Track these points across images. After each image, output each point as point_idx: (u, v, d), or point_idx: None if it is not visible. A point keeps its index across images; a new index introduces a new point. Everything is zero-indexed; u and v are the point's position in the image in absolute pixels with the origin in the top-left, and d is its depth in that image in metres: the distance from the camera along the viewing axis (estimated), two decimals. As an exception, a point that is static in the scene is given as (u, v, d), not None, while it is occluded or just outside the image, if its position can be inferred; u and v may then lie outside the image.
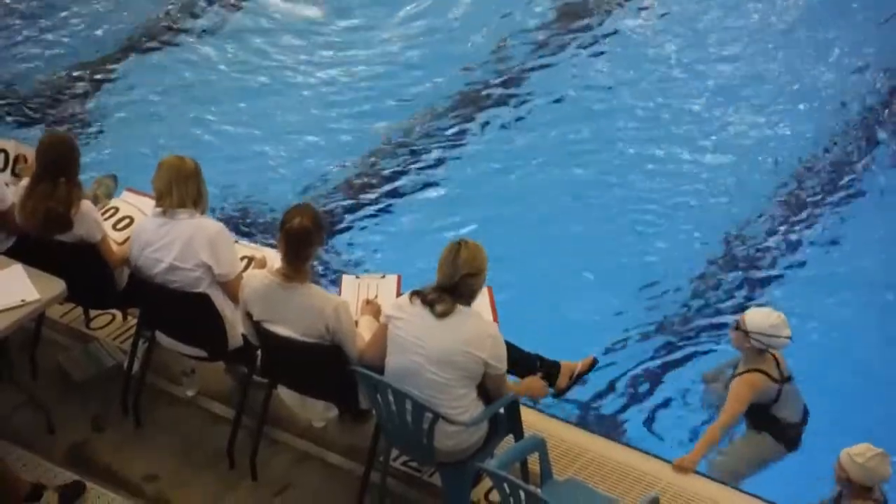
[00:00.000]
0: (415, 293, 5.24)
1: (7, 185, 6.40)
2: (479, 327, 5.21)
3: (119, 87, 10.63)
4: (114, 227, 6.46)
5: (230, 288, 5.83)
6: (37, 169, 6.08)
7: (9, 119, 10.06)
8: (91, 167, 6.95)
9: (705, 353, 7.76)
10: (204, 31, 11.43)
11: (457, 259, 5.13)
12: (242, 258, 6.23)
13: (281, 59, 10.95)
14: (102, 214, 6.46)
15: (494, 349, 5.22)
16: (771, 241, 8.70)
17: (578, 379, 6.13)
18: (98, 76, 10.74)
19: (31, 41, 11.25)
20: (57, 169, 6.00)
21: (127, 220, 6.49)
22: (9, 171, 6.71)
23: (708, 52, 10.82)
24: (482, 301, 5.76)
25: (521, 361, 5.96)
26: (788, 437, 6.48)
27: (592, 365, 6.25)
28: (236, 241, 6.33)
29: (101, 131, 10.01)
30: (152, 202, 6.07)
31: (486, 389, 5.35)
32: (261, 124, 10.14)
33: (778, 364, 6.35)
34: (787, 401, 6.39)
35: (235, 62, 10.94)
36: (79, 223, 6.03)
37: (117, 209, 6.60)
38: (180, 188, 5.81)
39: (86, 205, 6.11)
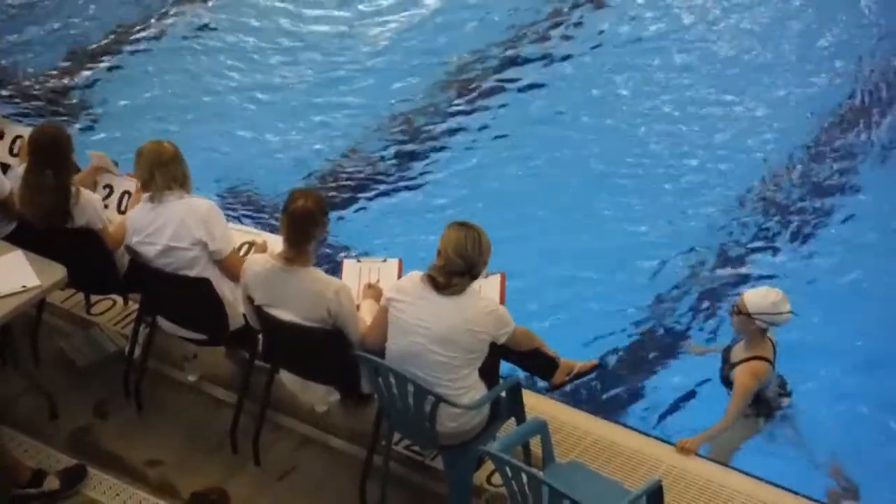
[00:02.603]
0: (427, 276, 5.24)
1: (8, 167, 6.41)
2: (478, 306, 5.23)
3: (115, 77, 10.61)
4: (118, 210, 6.51)
5: (226, 265, 5.83)
6: (28, 160, 6.08)
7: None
8: (86, 158, 6.93)
9: (708, 336, 7.77)
10: (204, 19, 11.42)
11: (481, 244, 5.19)
12: (243, 244, 6.24)
13: (282, 45, 10.94)
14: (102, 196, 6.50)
15: (497, 322, 5.26)
16: (773, 226, 8.72)
17: (576, 378, 6.11)
18: (92, 66, 10.73)
19: (25, 29, 11.25)
20: (46, 160, 5.97)
21: (127, 198, 6.55)
22: (6, 148, 6.71)
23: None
24: (493, 285, 5.79)
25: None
26: (772, 411, 6.45)
27: (594, 368, 6.21)
28: (236, 221, 6.32)
29: (94, 121, 9.99)
30: None
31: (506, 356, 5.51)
32: (261, 110, 10.13)
33: (773, 348, 6.31)
34: (772, 382, 6.37)
35: (236, 50, 10.92)
36: (80, 213, 6.03)
37: (111, 188, 6.62)
38: (163, 174, 5.79)
39: (86, 194, 6.11)
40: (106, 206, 6.50)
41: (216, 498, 5.75)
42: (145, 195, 5.89)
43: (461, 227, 5.22)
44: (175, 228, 5.76)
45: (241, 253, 6.16)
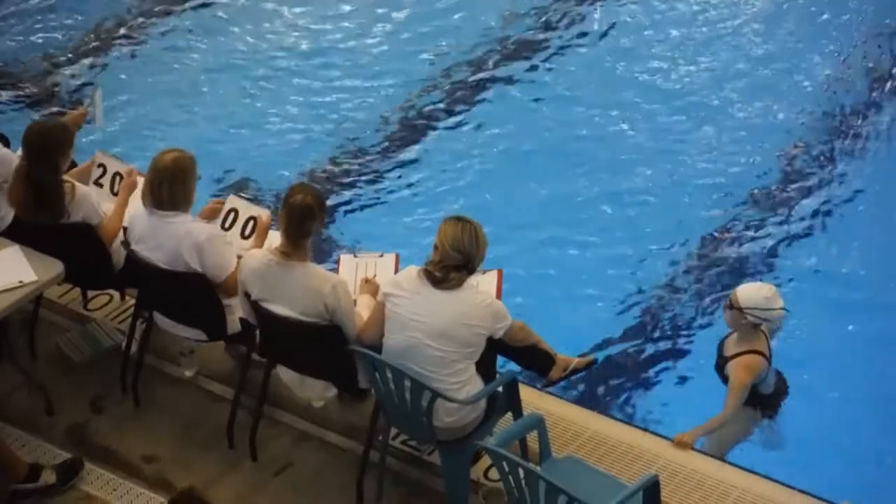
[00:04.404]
0: (424, 271, 5.24)
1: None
2: (475, 300, 5.25)
3: (112, 75, 10.59)
4: (111, 191, 6.54)
5: (223, 287, 5.81)
6: (22, 154, 6.06)
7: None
8: (85, 151, 6.92)
9: (704, 330, 7.77)
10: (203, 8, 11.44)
11: (478, 239, 5.21)
12: (248, 219, 6.24)
13: (277, 39, 10.94)
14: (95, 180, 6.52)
15: (494, 316, 5.28)
16: (772, 222, 8.72)
17: (572, 374, 6.11)
18: (91, 60, 10.72)
19: (24, 24, 11.24)
20: (26, 153, 5.95)
21: (119, 179, 6.55)
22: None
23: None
24: (490, 281, 5.79)
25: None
26: (768, 407, 6.43)
27: (590, 365, 6.16)
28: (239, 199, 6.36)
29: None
30: None
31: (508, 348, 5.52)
32: (257, 104, 10.12)
33: (767, 342, 6.29)
34: (769, 376, 6.35)
35: (233, 44, 10.92)
36: (76, 209, 6.01)
37: (104, 167, 6.64)
38: (174, 186, 5.74)
39: (81, 190, 6.08)
40: (100, 186, 6.50)
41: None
42: (149, 204, 5.84)
43: (458, 222, 5.23)
44: (171, 255, 5.73)
45: (248, 231, 6.19)
